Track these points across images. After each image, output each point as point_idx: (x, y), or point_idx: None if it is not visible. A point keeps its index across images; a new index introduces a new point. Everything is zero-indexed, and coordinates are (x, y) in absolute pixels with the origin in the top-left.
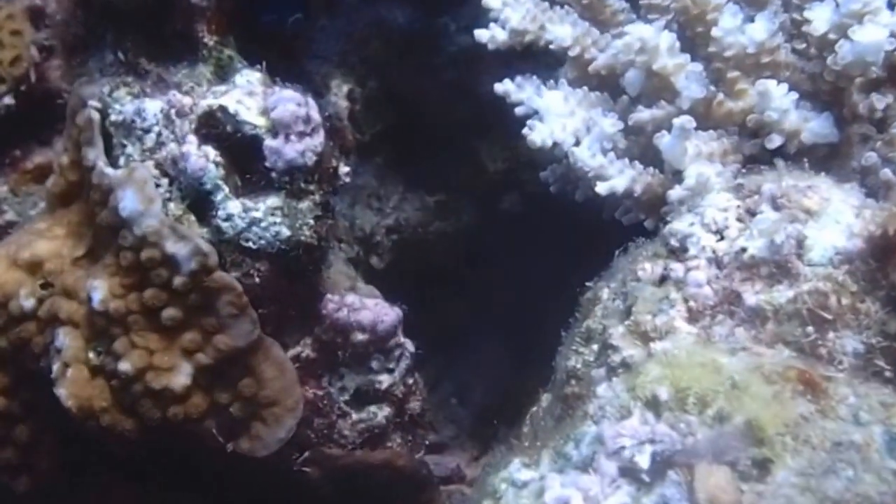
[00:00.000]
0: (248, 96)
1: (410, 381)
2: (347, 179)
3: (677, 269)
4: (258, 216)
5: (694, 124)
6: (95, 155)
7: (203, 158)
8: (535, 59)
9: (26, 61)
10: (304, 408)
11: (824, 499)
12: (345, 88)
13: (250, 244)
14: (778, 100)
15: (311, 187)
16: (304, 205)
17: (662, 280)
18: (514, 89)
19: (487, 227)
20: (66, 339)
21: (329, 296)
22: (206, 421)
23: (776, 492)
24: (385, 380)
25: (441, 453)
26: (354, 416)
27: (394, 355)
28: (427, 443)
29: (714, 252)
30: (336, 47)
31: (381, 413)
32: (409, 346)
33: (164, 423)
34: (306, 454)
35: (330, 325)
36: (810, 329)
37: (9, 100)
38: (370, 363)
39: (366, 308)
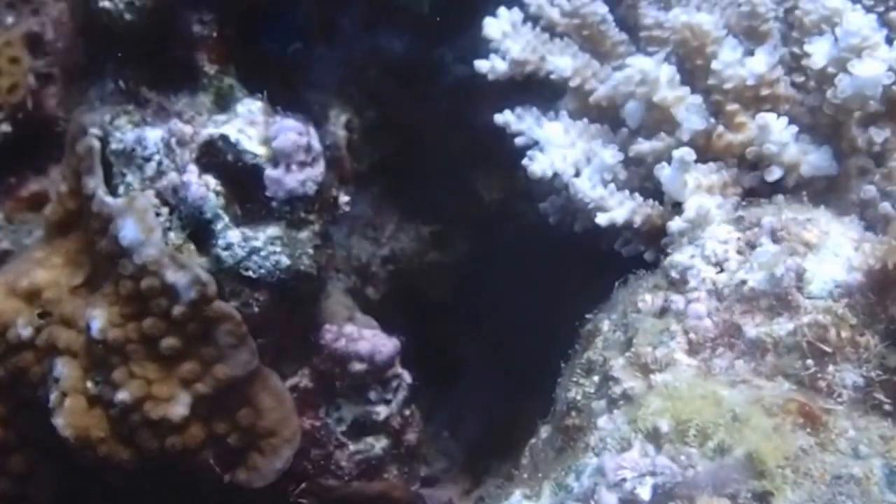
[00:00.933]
0: (250, 125)
1: (407, 412)
2: (347, 209)
3: (678, 300)
4: (258, 245)
5: (694, 156)
6: (95, 184)
7: (204, 187)
8: (532, 90)
9: (24, 89)
10: (301, 438)
11: None
12: (343, 118)
13: (250, 273)
14: (777, 133)
15: (311, 217)
16: (304, 234)
17: (663, 312)
18: (515, 120)
19: (483, 258)
20: (65, 368)
21: (327, 326)
22: (203, 451)
23: None
24: (382, 411)
25: (433, 487)
26: (351, 448)
27: (391, 386)
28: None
29: (714, 284)
30: (334, 76)
31: (378, 444)
32: (407, 377)
33: (162, 453)
34: (303, 485)
35: (328, 355)
36: (810, 362)
37: (6, 127)
38: (368, 394)
39: (364, 338)
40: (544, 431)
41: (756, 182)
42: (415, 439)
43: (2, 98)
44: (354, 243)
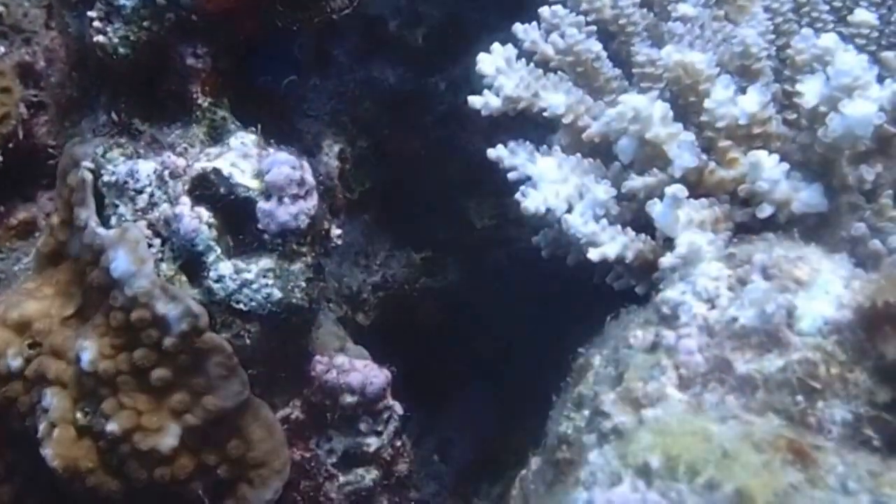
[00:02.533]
0: (243, 159)
1: (398, 443)
2: (339, 241)
3: (669, 336)
4: (250, 278)
5: (686, 193)
6: (87, 215)
7: (196, 220)
8: (524, 118)
9: (14, 119)
10: (291, 470)
11: None
12: (336, 148)
13: (241, 306)
14: (769, 170)
15: (304, 249)
16: (296, 267)
17: (654, 347)
18: (508, 155)
19: (474, 284)
20: (54, 399)
21: (318, 357)
22: (192, 483)
23: None
24: (373, 442)
25: None
26: (342, 479)
27: (382, 418)
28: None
29: (705, 320)
30: (327, 106)
31: (369, 476)
32: (398, 408)
33: (151, 484)
34: None
35: (319, 386)
36: (800, 398)
37: None
38: (358, 425)
39: (355, 370)
40: (535, 464)
41: (747, 218)
42: (405, 469)
43: None
44: (346, 271)
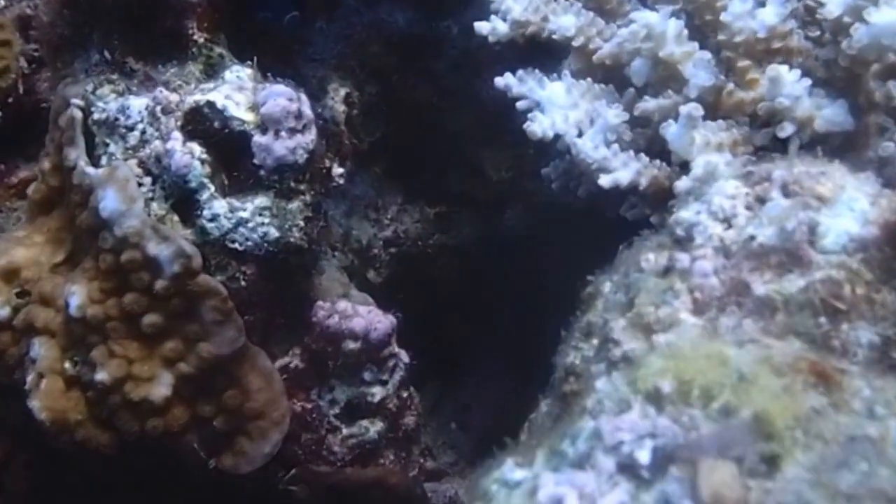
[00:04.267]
0: (238, 91)
1: (405, 394)
2: (341, 181)
3: (682, 258)
4: (245, 216)
5: (702, 112)
6: (77, 155)
7: (188, 155)
8: (540, 61)
9: (14, 73)
10: (291, 422)
11: (836, 494)
12: (342, 92)
13: (236, 246)
14: (790, 86)
15: (302, 187)
16: (294, 205)
17: (667, 271)
18: (516, 83)
19: (491, 240)
20: (42, 348)
21: (319, 302)
22: (187, 435)
23: (785, 488)
24: (378, 392)
25: (439, 481)
26: (345, 431)
27: (387, 366)
28: (424, 464)
29: (721, 241)
30: (333, 50)
31: (374, 428)
32: (404, 356)
33: (143, 437)
34: (293, 471)
35: (320, 333)
36: (823, 320)
37: None
38: (362, 374)
39: (358, 315)
40: (544, 405)
41: (768, 140)
42: (413, 423)
43: None
44: (355, 224)
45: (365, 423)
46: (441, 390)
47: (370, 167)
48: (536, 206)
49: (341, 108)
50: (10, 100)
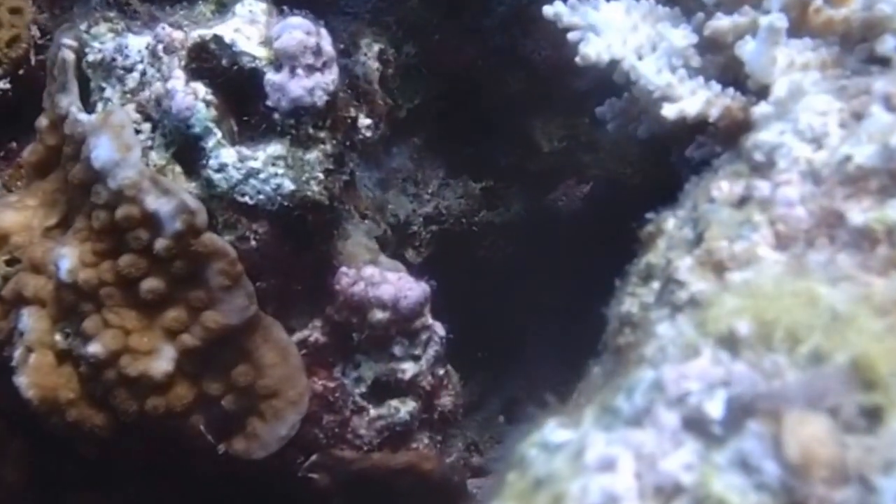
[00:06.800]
0: (249, 24)
1: (441, 371)
2: (369, 134)
3: (762, 186)
4: (256, 167)
5: (786, 24)
6: (69, 101)
7: (191, 96)
8: None
9: (25, 42)
10: (311, 401)
11: None
12: (375, 48)
13: (247, 199)
14: None
15: (322, 134)
16: (313, 155)
17: (743, 201)
18: (567, 12)
19: (542, 218)
20: (31, 319)
21: (343, 269)
22: (192, 416)
23: (890, 444)
24: (409, 368)
25: (486, 477)
26: (372, 412)
27: (420, 339)
28: (470, 459)
29: (810, 164)
30: (368, 4)
31: (405, 408)
32: (439, 329)
33: (142, 418)
34: (313, 457)
35: (344, 302)
36: None
37: (4, 84)
38: (392, 348)
39: (387, 282)
40: (595, 367)
41: (863, 58)
42: (450, 403)
43: (1, 52)
44: (391, 198)
45: (395, 402)
46: (488, 381)
47: (408, 137)
48: (591, 178)
49: (375, 64)
50: (22, 71)
